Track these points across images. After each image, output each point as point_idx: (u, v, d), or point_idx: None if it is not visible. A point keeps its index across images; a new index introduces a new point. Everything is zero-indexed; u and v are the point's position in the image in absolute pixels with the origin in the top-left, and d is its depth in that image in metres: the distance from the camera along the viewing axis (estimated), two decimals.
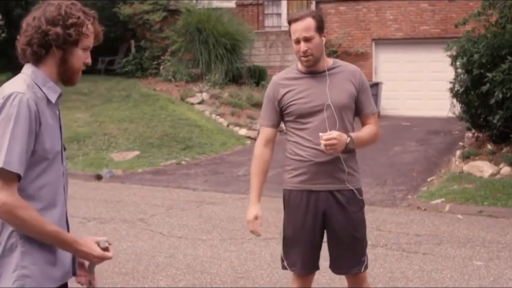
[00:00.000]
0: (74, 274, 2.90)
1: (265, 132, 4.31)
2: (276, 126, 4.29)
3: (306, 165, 4.14)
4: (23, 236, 2.63)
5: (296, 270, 4.30)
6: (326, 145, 3.91)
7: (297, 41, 4.10)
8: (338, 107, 4.09)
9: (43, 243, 2.67)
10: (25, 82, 2.67)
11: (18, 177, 2.57)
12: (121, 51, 22.73)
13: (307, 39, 4.06)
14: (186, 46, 20.48)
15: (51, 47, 2.71)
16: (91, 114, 16.92)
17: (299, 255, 4.24)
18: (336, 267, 4.31)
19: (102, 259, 2.80)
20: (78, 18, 2.72)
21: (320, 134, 3.94)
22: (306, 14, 4.14)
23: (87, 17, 2.76)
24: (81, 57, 2.79)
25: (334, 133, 3.92)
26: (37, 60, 2.72)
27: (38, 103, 2.63)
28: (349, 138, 4.00)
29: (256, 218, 4.19)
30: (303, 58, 4.11)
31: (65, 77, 2.81)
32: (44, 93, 2.70)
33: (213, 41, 19.78)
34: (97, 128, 15.87)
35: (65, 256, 2.80)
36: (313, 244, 4.23)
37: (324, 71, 4.14)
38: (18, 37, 2.76)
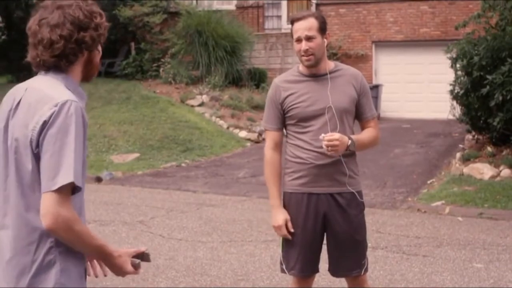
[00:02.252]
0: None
1: (272, 135, 4.29)
2: (281, 128, 4.28)
3: (307, 168, 4.13)
4: (62, 252, 2.52)
5: (295, 273, 4.28)
6: (328, 146, 3.90)
7: (299, 40, 4.11)
8: (339, 110, 4.09)
9: (77, 258, 2.59)
10: (66, 88, 2.55)
11: (74, 191, 2.47)
12: (121, 53, 22.74)
13: (309, 38, 4.07)
14: (186, 49, 20.49)
15: (82, 52, 2.62)
16: (91, 116, 16.91)
17: (299, 258, 4.23)
18: (335, 269, 4.30)
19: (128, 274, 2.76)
20: (100, 14, 2.65)
21: (322, 135, 3.94)
22: (309, 14, 4.16)
23: (99, 9, 2.68)
24: (100, 53, 2.74)
25: (336, 135, 3.92)
26: (65, 68, 2.61)
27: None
28: (350, 140, 4.00)
29: (286, 222, 4.17)
30: (304, 58, 4.11)
31: (88, 75, 2.73)
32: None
33: (213, 43, 19.80)
34: (97, 130, 15.87)
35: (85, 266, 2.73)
36: (313, 247, 4.22)
37: (326, 73, 4.14)
38: (33, 48, 2.59)
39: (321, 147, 3.99)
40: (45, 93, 2.52)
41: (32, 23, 2.61)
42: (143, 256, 2.79)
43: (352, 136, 4.06)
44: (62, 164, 2.41)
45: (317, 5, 22.17)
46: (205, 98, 18.79)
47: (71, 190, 2.45)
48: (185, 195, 11.04)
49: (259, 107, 18.65)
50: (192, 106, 18.49)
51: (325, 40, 4.14)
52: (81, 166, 2.47)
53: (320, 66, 4.15)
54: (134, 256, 2.75)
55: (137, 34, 22.31)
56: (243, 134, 16.83)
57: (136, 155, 14.40)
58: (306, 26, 4.08)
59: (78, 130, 2.46)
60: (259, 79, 20.52)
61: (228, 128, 17.22)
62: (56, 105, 2.45)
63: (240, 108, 18.36)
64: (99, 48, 2.72)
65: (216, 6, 22.51)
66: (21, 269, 2.53)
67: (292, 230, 4.17)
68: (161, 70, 20.65)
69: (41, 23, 2.57)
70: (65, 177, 2.41)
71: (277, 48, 21.63)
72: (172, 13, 21.94)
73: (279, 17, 22.70)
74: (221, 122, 17.53)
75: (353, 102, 4.16)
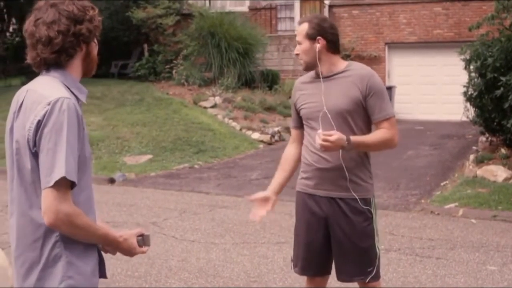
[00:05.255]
0: (104, 276, 2.86)
1: (292, 132, 4.53)
2: (298, 127, 4.42)
3: (311, 170, 4.20)
4: (68, 246, 2.59)
5: (298, 271, 4.39)
6: (321, 144, 3.87)
7: None
8: (336, 112, 4.06)
9: (85, 253, 2.65)
10: (61, 85, 2.62)
11: (72, 186, 2.53)
12: (134, 55, 22.81)
13: (298, 43, 4.20)
14: (199, 50, 20.53)
15: (80, 45, 2.68)
16: (105, 118, 16.98)
17: (302, 256, 4.31)
18: (338, 273, 4.31)
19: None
20: (93, 8, 2.72)
21: (319, 131, 3.91)
22: (306, 19, 4.23)
23: (92, 4, 2.76)
24: (97, 46, 2.80)
25: (334, 135, 3.86)
26: (65, 63, 2.68)
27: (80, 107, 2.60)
28: (347, 142, 3.91)
29: (260, 197, 4.30)
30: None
31: (88, 70, 2.79)
32: (74, 95, 2.65)
33: (226, 45, 19.83)
34: (110, 132, 15.92)
35: (97, 263, 2.77)
36: (315, 247, 4.24)
37: (326, 76, 4.15)
38: (32, 48, 2.67)
39: (320, 151, 4.03)
40: (39, 93, 2.60)
41: (28, 25, 2.70)
42: (143, 238, 2.87)
43: (352, 137, 3.97)
44: (57, 161, 2.48)
45: (330, 6, 22.17)
46: (217, 99, 18.80)
47: (70, 185, 2.51)
48: (198, 197, 11.05)
49: (271, 109, 18.66)
50: (205, 107, 18.51)
51: (317, 45, 4.11)
52: (74, 161, 2.52)
53: (317, 69, 4.17)
54: (137, 237, 2.85)
55: (150, 36, 22.39)
56: (255, 135, 16.82)
57: (149, 156, 14.43)
58: (298, 31, 4.21)
59: (71, 126, 2.52)
60: (272, 80, 20.53)
61: (240, 129, 17.22)
62: (49, 104, 2.52)
63: (252, 110, 18.36)
64: (96, 41, 2.79)
65: (229, 7, 22.56)
66: (29, 265, 2.62)
67: (268, 208, 4.28)
68: (174, 71, 20.69)
69: (37, 23, 2.66)
70: (58, 173, 2.47)
71: (290, 49, 21.60)
72: (185, 15, 22.00)
73: (291, 18, 22.68)
74: (233, 123, 17.53)
75: (357, 103, 4.08)
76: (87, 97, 2.77)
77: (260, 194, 4.31)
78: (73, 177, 2.50)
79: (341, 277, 4.33)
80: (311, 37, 4.12)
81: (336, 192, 4.13)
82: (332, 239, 4.22)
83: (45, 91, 2.59)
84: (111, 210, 9.84)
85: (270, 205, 4.28)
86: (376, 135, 4.14)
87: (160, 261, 7.22)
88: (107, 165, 13.61)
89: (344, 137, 3.91)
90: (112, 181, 12.48)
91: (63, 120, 2.50)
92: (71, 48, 2.65)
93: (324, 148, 3.90)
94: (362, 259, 4.20)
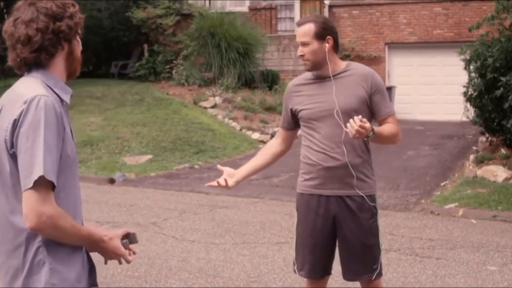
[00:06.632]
0: (95, 284, 2.78)
1: (280, 131, 4.52)
2: (287, 128, 4.43)
3: (316, 170, 4.16)
4: (51, 252, 2.51)
5: (304, 274, 4.32)
6: (357, 130, 3.79)
7: (298, 45, 4.21)
8: (345, 111, 4.06)
9: (69, 258, 2.57)
10: (40, 84, 2.55)
11: (52, 187, 2.43)
12: (135, 55, 22.81)
13: (303, 44, 4.15)
14: (199, 50, 20.53)
15: (61, 43, 2.60)
16: (105, 118, 16.98)
17: (308, 259, 4.26)
18: (346, 272, 4.30)
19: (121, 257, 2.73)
20: (73, 5, 2.65)
21: (359, 116, 3.83)
22: (309, 20, 4.20)
23: (72, 1, 2.69)
24: (80, 44, 2.73)
25: (368, 123, 3.85)
26: (46, 63, 2.61)
27: (59, 106, 2.52)
28: (371, 131, 3.91)
29: (230, 172, 4.29)
30: (302, 61, 4.23)
31: (71, 70, 2.70)
32: (57, 94, 2.58)
33: (226, 45, 19.82)
34: (110, 132, 15.92)
35: (85, 270, 2.69)
36: (322, 248, 4.23)
37: (331, 76, 4.15)
38: (12, 49, 2.59)
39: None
40: (17, 93, 2.54)
41: (7, 26, 2.61)
42: (130, 237, 2.79)
43: (374, 127, 3.97)
44: (35, 160, 2.39)
45: (330, 6, 22.16)
46: (218, 100, 18.81)
47: (50, 185, 2.42)
48: (198, 197, 11.05)
49: (271, 109, 18.66)
50: (205, 108, 18.51)
51: (326, 44, 4.12)
52: (52, 160, 2.43)
53: (323, 69, 4.16)
54: (122, 238, 2.75)
55: (150, 36, 22.39)
56: (255, 135, 16.82)
57: (149, 156, 14.43)
58: (302, 32, 4.15)
59: (49, 124, 2.43)
60: (271, 81, 20.53)
61: (240, 130, 17.22)
62: (25, 102, 2.44)
63: (252, 110, 18.36)
64: (78, 39, 2.71)
65: (229, 7, 22.56)
66: (14, 272, 2.54)
67: (233, 180, 4.26)
68: (174, 72, 20.67)
69: (16, 23, 2.57)
70: (37, 173, 2.39)
71: (290, 50, 21.62)
72: (185, 15, 21.99)
73: (291, 19, 22.67)
74: (233, 124, 17.53)
75: (363, 102, 4.13)
76: (71, 97, 2.69)
77: (229, 170, 4.32)
78: (51, 177, 2.41)
79: (348, 276, 4.32)
80: (321, 37, 4.12)
81: (344, 190, 4.13)
82: (339, 238, 4.22)
83: (23, 91, 2.52)
84: (111, 210, 9.84)
85: (232, 181, 4.26)
86: (389, 128, 4.18)
87: (160, 261, 7.22)
88: (107, 165, 13.61)
89: (370, 126, 3.92)
90: (112, 181, 12.48)
91: (40, 118, 2.42)
92: (51, 46, 2.58)
93: (359, 135, 3.84)
94: (368, 256, 4.22)
